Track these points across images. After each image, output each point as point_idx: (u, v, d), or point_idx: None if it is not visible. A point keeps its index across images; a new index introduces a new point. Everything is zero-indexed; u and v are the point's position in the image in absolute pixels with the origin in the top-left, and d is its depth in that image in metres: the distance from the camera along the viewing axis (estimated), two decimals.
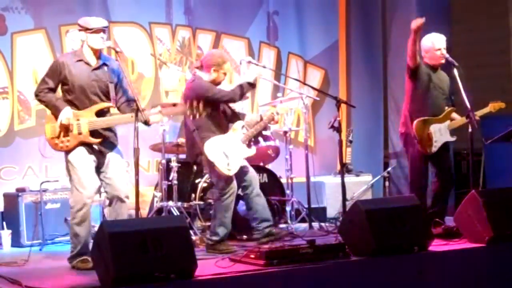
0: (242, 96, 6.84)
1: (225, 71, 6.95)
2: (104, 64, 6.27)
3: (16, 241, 7.53)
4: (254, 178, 7.00)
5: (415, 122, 7.55)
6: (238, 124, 7.04)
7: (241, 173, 6.93)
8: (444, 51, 7.58)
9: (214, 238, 6.73)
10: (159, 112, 6.23)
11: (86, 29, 6.17)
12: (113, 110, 6.36)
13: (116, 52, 6.30)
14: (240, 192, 7.13)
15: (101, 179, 6.22)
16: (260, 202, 7.00)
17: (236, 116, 7.13)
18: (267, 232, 6.96)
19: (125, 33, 8.75)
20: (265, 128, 7.82)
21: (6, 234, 7.54)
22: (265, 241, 6.84)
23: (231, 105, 7.15)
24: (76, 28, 6.29)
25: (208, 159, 6.73)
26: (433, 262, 6.05)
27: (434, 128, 7.53)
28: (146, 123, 6.20)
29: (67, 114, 6.03)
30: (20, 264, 6.32)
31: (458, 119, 7.62)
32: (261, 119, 7.36)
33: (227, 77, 7.11)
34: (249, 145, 7.17)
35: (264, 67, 8.02)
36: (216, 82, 6.95)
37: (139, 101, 5.99)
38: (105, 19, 6.42)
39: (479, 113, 7.56)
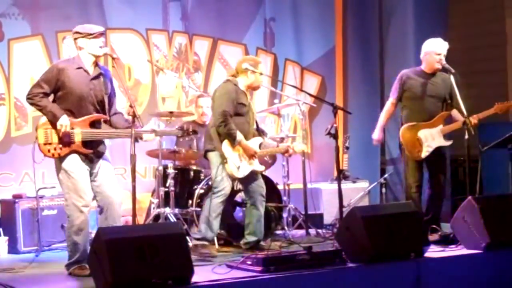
0: (225, 130, 6.87)
1: (261, 72, 7.17)
2: (101, 74, 6.25)
3: (12, 248, 7.51)
4: (258, 190, 7.08)
5: (401, 128, 7.59)
6: (256, 140, 7.14)
7: (249, 180, 7.06)
8: (443, 58, 7.60)
9: (196, 236, 6.84)
10: (152, 132, 6.25)
11: (87, 35, 6.12)
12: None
13: (113, 58, 6.24)
14: (241, 197, 7.33)
15: (91, 187, 6.19)
16: (255, 214, 7.09)
17: (258, 133, 7.27)
18: (252, 246, 7.06)
19: (122, 40, 8.75)
20: (269, 162, 8.02)
21: (3, 240, 7.52)
22: (248, 251, 6.91)
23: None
24: (74, 36, 6.22)
25: (223, 154, 6.85)
26: (429, 269, 6.05)
27: (423, 133, 7.55)
28: (138, 139, 6.20)
29: (65, 122, 6.00)
30: (17, 271, 6.31)
31: (453, 124, 7.62)
32: (277, 146, 7.50)
33: None
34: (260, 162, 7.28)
35: (261, 73, 8.04)
36: (254, 85, 7.19)
37: (135, 107, 5.98)
38: (102, 25, 6.41)
39: (482, 114, 7.55)
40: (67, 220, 6.14)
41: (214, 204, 6.92)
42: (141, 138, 6.24)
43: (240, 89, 7.06)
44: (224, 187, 6.95)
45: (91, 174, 6.18)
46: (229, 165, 6.87)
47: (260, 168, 7.14)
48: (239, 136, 6.91)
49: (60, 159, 6.09)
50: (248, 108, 7.09)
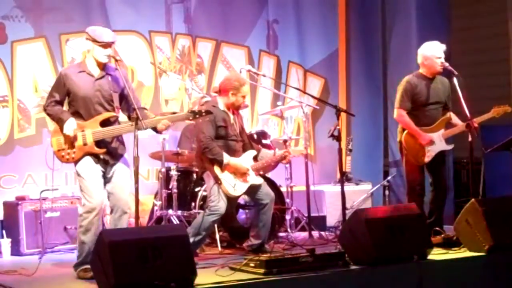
0: (210, 155, 6.83)
1: (244, 94, 7.02)
2: (108, 74, 6.26)
3: (15, 250, 7.51)
4: (266, 195, 7.05)
5: (404, 133, 7.56)
6: (250, 153, 7.10)
7: (253, 192, 7.02)
8: (443, 60, 7.59)
9: None
10: (167, 118, 6.23)
11: (94, 41, 6.14)
12: (124, 119, 6.36)
13: (116, 60, 6.24)
14: (244, 199, 7.40)
15: (105, 188, 6.21)
16: (263, 219, 7.07)
17: (250, 146, 7.21)
18: (255, 249, 7.04)
19: (125, 42, 8.74)
20: (276, 163, 7.83)
21: (6, 242, 7.53)
22: (251, 253, 6.90)
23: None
24: (83, 37, 6.25)
25: (216, 176, 6.78)
26: (432, 271, 6.04)
27: None
28: (156, 130, 6.24)
29: (71, 125, 6.03)
30: (20, 273, 6.31)
31: (455, 128, 7.61)
32: (274, 154, 7.42)
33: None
34: (257, 175, 7.18)
35: (264, 75, 8.05)
36: (235, 106, 7.05)
37: (138, 110, 5.98)
38: (105, 27, 6.41)
39: (480, 118, 7.54)
40: (78, 220, 6.19)
41: (206, 222, 6.77)
42: (156, 129, 6.24)
43: (219, 110, 6.96)
44: (219, 207, 6.80)
45: (106, 175, 6.20)
46: (224, 186, 6.78)
47: (258, 181, 7.05)
48: (226, 158, 6.83)
49: (75, 163, 6.13)
50: (229, 128, 6.99)
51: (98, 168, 6.16)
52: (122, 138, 6.34)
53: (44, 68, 8.25)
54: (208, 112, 6.46)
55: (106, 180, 6.21)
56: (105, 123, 6.15)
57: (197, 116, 6.32)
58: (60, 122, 6.09)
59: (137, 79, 8.86)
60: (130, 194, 6.25)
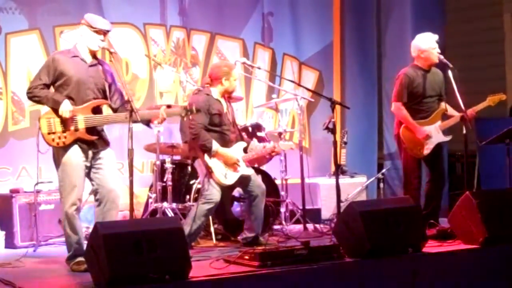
0: (200, 142, 6.82)
1: (235, 78, 7.08)
2: (99, 63, 6.23)
3: (10, 243, 7.50)
4: (256, 189, 7.06)
5: (401, 127, 7.56)
6: (240, 144, 7.09)
7: (244, 183, 7.03)
8: (439, 50, 7.60)
9: None
10: (162, 111, 6.21)
11: (89, 26, 6.12)
12: (107, 111, 6.34)
13: (110, 53, 6.23)
14: (239, 192, 7.38)
15: (92, 179, 6.18)
16: (254, 212, 7.07)
17: (241, 138, 7.22)
18: (249, 241, 7.05)
19: (120, 34, 8.71)
20: (266, 156, 7.80)
21: (0, 235, 7.52)
22: (246, 246, 6.92)
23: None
24: (77, 28, 6.22)
25: (207, 164, 6.76)
26: (427, 264, 6.05)
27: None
28: (148, 124, 6.23)
29: (67, 106, 5.96)
30: (14, 266, 6.30)
31: (451, 119, 7.61)
32: (264, 147, 7.42)
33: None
34: (248, 166, 7.16)
35: (258, 68, 8.04)
36: (230, 91, 7.07)
37: (133, 102, 5.95)
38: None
39: (476, 108, 7.56)
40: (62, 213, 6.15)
41: (202, 210, 6.79)
42: (149, 123, 6.25)
43: (213, 98, 6.96)
44: (214, 194, 6.83)
45: (93, 164, 6.15)
46: (215, 174, 6.80)
47: (248, 171, 7.06)
48: (215, 145, 6.82)
49: (58, 151, 6.06)
50: (223, 117, 6.99)
51: (83, 160, 6.09)
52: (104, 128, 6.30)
53: (38, 60, 8.19)
54: (198, 110, 6.50)
55: (94, 170, 6.15)
56: (96, 110, 6.12)
57: (190, 113, 6.34)
58: (54, 103, 5.98)
59: (132, 71, 8.84)
60: (122, 185, 6.23)
